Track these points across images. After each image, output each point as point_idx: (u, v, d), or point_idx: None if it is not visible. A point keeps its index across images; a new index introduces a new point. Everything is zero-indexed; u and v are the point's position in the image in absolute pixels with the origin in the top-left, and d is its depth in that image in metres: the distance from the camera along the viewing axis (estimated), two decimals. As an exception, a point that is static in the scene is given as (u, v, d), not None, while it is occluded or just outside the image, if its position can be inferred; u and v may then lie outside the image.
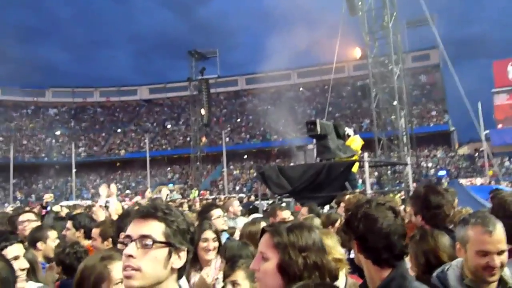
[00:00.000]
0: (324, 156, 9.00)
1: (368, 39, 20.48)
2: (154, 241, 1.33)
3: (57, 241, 3.61)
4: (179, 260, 1.38)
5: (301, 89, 52.03)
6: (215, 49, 41.71)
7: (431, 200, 2.75)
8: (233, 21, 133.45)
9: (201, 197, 26.00)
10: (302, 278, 1.46)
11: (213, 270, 2.89)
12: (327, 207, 7.89)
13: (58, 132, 52.58)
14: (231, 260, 2.70)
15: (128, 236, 1.35)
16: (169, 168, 47.99)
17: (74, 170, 40.33)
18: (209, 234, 3.00)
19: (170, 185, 42.49)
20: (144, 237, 1.33)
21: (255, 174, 41.86)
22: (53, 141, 51.35)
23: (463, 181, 27.83)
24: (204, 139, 42.72)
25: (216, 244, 3.01)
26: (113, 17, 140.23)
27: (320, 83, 48.57)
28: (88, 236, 3.70)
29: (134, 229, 1.37)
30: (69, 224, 4.04)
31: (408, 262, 2.39)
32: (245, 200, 15.43)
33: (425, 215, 2.79)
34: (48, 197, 6.61)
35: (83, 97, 58.02)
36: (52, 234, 3.66)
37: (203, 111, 38.92)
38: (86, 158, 48.47)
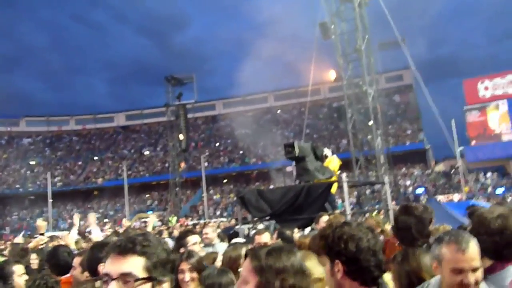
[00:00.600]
0: (303, 178, 9.04)
1: (341, 62, 20.93)
2: (136, 279, 1.29)
3: (25, 276, 3.44)
4: None
5: (278, 111, 52.51)
6: (191, 74, 41.83)
7: (400, 220, 2.80)
8: (209, 47, 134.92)
9: (180, 224, 25.63)
10: None
11: None
12: (308, 229, 7.89)
13: (33, 162, 51.51)
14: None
15: (107, 275, 1.31)
16: (147, 195, 47.33)
17: (50, 200, 39.34)
18: (184, 265, 2.91)
19: (149, 212, 41.87)
20: (124, 275, 1.29)
21: (235, 198, 41.69)
22: (28, 171, 50.21)
23: (441, 197, 28.32)
24: (182, 164, 42.38)
25: (195, 274, 2.91)
26: (89, 44, 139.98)
27: (297, 105, 49.14)
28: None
29: (113, 266, 1.32)
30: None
31: (391, 282, 2.41)
32: (225, 225, 15.28)
33: (397, 235, 2.84)
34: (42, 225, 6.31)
35: (59, 126, 57.14)
36: (18, 269, 3.47)
37: (181, 136, 38.74)
38: (62, 187, 47.46)
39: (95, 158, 52.64)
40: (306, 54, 25.72)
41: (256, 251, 1.60)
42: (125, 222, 11.20)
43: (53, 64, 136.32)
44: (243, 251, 3.43)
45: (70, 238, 5.42)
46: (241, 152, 47.98)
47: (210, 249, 4.94)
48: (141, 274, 1.31)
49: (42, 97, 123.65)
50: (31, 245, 5.37)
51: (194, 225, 19.23)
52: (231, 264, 3.29)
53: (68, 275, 3.51)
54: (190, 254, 3.04)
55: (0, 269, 3.56)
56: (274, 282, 1.48)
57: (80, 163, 52.21)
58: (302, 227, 7.78)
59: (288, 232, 4.72)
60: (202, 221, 26.94)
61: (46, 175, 42.80)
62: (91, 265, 2.96)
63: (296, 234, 5.67)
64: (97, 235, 6.01)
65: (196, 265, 2.97)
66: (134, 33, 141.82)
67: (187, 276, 2.89)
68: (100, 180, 48.39)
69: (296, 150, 8.76)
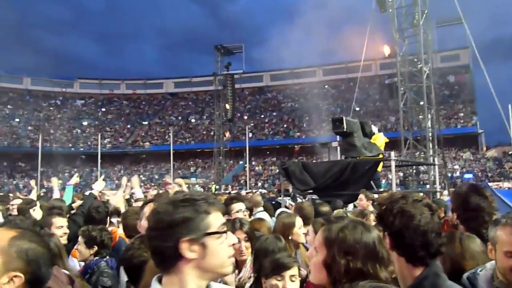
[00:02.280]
0: (350, 154, 8.88)
1: (397, 37, 20.09)
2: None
3: (65, 229, 3.52)
4: None
5: (326, 86, 51.64)
6: (241, 44, 41.71)
7: (471, 200, 2.61)
8: (260, 17, 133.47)
9: (222, 192, 26.13)
10: (341, 282, 1.43)
11: (248, 270, 2.82)
12: (351, 206, 7.80)
13: (85, 123, 53.73)
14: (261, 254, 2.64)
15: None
16: (192, 162, 48.40)
17: (99, 161, 41.06)
18: (239, 234, 2.84)
19: (193, 179, 42.94)
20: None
21: (277, 171, 41.83)
22: (80, 131, 52.45)
23: (490, 184, 27.18)
24: (227, 134, 42.85)
25: (248, 243, 2.88)
26: (142, 11, 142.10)
27: (346, 81, 48.14)
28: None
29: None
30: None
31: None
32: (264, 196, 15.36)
33: (461, 215, 2.68)
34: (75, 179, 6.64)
35: (110, 89, 59.04)
36: (58, 221, 3.51)
37: (227, 106, 39.05)
38: (112, 149, 49.30)
39: (144, 122, 54.14)
40: (360, 27, 24.91)
41: (330, 223, 1.58)
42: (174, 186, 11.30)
43: (107, 28, 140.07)
44: (297, 219, 3.41)
45: (116, 199, 5.59)
46: (285, 125, 47.85)
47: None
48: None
49: (95, 60, 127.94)
50: (75, 204, 5.60)
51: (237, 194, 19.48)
52: (284, 230, 3.26)
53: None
54: (242, 223, 3.00)
55: (42, 219, 3.75)
56: (340, 261, 1.45)
57: (129, 126, 53.91)
58: (345, 203, 7.70)
59: (325, 209, 4.61)
60: (244, 191, 27.31)
61: (97, 136, 44.57)
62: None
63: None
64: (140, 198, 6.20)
65: (250, 234, 2.95)
66: (187, 0, 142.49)
67: (243, 245, 2.87)
68: (147, 144, 49.86)
69: (344, 125, 8.58)
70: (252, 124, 47.80)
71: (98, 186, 5.30)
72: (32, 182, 7.55)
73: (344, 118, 8.79)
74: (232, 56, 40.80)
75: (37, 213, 4.29)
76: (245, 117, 50.77)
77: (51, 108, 56.04)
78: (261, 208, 6.07)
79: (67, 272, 2.24)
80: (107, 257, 3.25)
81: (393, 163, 8.38)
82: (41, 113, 54.46)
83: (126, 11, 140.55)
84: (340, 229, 1.51)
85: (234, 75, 39.66)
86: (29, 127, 51.04)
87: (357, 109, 38.06)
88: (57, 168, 47.82)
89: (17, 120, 51.91)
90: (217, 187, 35.96)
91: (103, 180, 5.57)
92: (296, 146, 45.74)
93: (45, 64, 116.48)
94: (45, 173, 44.51)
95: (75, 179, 6.23)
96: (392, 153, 8.83)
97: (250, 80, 53.56)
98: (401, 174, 23.17)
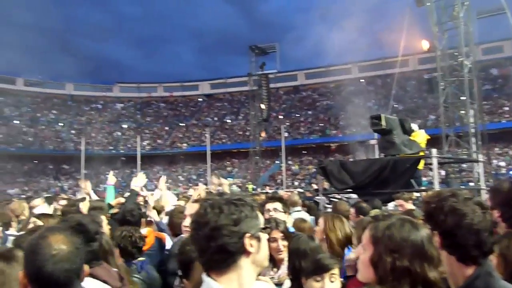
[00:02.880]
0: (389, 151, 8.72)
1: (436, 31, 19.51)
2: None
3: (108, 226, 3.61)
4: None
5: (362, 81, 50.80)
6: (274, 44, 41.65)
7: None
8: (293, 16, 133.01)
9: (260, 191, 26.19)
10: (388, 280, 1.42)
11: (286, 267, 2.83)
12: (391, 205, 7.64)
13: (124, 126, 55.19)
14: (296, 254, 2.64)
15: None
16: (228, 162, 48.79)
17: (139, 162, 42.03)
18: (276, 233, 2.88)
19: (230, 179, 43.21)
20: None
21: (314, 170, 41.55)
22: (120, 134, 53.92)
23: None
24: (263, 133, 42.91)
25: (286, 242, 2.90)
26: (177, 14, 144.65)
27: (383, 77, 47.22)
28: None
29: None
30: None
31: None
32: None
33: (505, 213, 2.57)
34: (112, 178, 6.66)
35: (148, 92, 60.41)
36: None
37: (262, 106, 39.11)
38: (150, 150, 50.37)
39: (181, 124, 55.04)
40: (396, 22, 24.36)
41: (377, 220, 1.57)
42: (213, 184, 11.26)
43: (145, 33, 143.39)
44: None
45: (152, 199, 5.64)
46: (321, 123, 47.45)
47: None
48: None
49: (134, 65, 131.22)
50: (115, 201, 5.73)
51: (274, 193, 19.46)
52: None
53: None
54: (277, 222, 3.02)
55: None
56: (386, 259, 1.44)
57: (166, 128, 54.93)
58: (385, 202, 7.56)
59: (366, 207, 4.53)
60: (281, 191, 27.24)
61: (136, 138, 45.67)
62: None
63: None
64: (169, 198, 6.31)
65: (286, 233, 2.96)
66: (221, 2, 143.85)
67: (280, 244, 2.89)
68: (184, 146, 50.65)
69: (383, 122, 8.44)
70: (287, 123, 47.66)
71: (139, 181, 5.29)
72: (82, 183, 7.70)
73: (382, 115, 8.64)
74: (266, 56, 40.83)
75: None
76: (281, 117, 50.69)
77: (92, 112, 57.91)
78: (299, 208, 6.05)
79: (115, 269, 2.31)
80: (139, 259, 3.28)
81: (435, 161, 8.17)
82: (83, 117, 56.38)
83: (162, 15, 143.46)
84: (387, 226, 1.49)
85: (268, 74, 39.69)
86: (72, 131, 52.94)
87: (395, 105, 37.25)
88: (99, 170, 49.34)
89: (61, 124, 53.93)
90: (254, 187, 36.08)
91: (143, 174, 5.57)
92: (332, 145, 45.21)
93: (86, 70, 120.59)
94: (88, 175, 45.97)
95: (112, 178, 6.35)
96: (434, 150, 8.60)
97: (284, 79, 53.41)
98: (442, 172, 22.50)
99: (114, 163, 48.56)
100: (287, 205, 5.08)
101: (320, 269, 2.33)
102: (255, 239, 1.38)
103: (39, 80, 57.63)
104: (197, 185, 7.02)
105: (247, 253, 1.37)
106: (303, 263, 2.61)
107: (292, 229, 3.77)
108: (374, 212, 4.42)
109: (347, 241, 3.10)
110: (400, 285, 1.42)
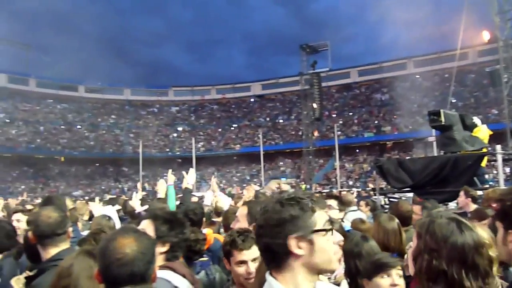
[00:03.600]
0: (449, 148, 8.39)
1: (498, 21, 18.51)
2: None
3: None
4: None
5: (418, 78, 49.15)
6: (326, 42, 41.22)
7: None
8: (344, 13, 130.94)
9: (314, 191, 26.00)
10: (423, 278, 1.39)
11: (343, 267, 2.81)
12: (452, 204, 7.36)
13: (179, 128, 56.74)
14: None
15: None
16: (281, 162, 48.83)
17: (194, 164, 43.03)
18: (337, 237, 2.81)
19: (283, 179, 43.26)
20: None
21: (369, 168, 40.68)
22: (175, 136, 55.48)
23: None
24: (316, 133, 42.59)
25: (342, 242, 2.82)
26: (228, 17, 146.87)
27: (440, 72, 45.39)
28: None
29: None
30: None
31: None
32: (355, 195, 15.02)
33: None
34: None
35: (202, 95, 61.74)
36: None
37: (314, 105, 38.83)
38: (205, 152, 51.39)
39: (234, 125, 55.76)
40: (453, 14, 23.35)
41: (427, 215, 1.53)
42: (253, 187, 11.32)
43: (197, 37, 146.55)
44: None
45: (206, 200, 5.75)
46: (376, 121, 46.38)
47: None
48: None
49: (187, 69, 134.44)
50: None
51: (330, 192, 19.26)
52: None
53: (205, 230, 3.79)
54: (332, 221, 2.97)
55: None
56: (424, 256, 1.40)
57: (220, 130, 55.84)
58: (445, 201, 7.29)
59: (432, 206, 4.38)
60: (335, 190, 26.96)
61: (191, 140, 46.79)
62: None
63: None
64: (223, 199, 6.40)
65: (342, 232, 2.94)
66: (271, 3, 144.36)
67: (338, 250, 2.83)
68: (237, 147, 51.25)
69: (442, 118, 8.12)
70: (340, 122, 46.99)
71: (190, 178, 5.37)
72: (139, 185, 8.12)
73: (441, 110, 8.32)
74: (317, 54, 40.52)
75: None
76: (333, 115, 50.07)
77: (149, 116, 60.02)
78: (354, 207, 5.96)
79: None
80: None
81: (499, 157, 7.77)
82: (140, 121, 58.58)
83: (214, 19, 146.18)
84: (430, 223, 1.44)
85: (320, 73, 39.34)
86: (130, 135, 55.13)
87: (454, 101, 35.70)
88: (156, 172, 51.01)
89: (119, 128, 56.33)
90: (308, 186, 35.88)
91: (193, 169, 5.60)
92: (388, 143, 44.08)
93: (142, 75, 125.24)
94: (146, 176, 47.68)
95: (172, 177, 6.48)
96: (498, 147, 8.18)
97: (336, 77, 52.72)
98: (507, 169, 21.32)
99: (170, 165, 49.96)
100: (343, 203, 5.03)
101: (384, 266, 2.31)
102: (305, 241, 1.32)
103: (99, 86, 60.58)
104: (249, 185, 7.05)
105: (294, 255, 1.32)
106: (359, 264, 2.60)
107: (348, 228, 3.73)
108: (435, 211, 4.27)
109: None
110: (434, 285, 1.37)
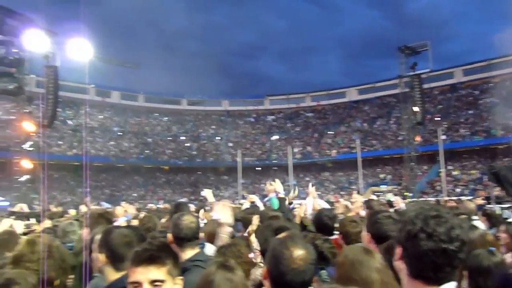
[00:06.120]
0: None
1: None
2: None
3: None
4: None
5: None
6: (426, 42, 39.15)
7: None
8: (446, 10, 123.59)
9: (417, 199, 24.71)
10: None
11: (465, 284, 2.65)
12: None
13: (276, 137, 57.60)
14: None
15: None
16: (380, 169, 47.20)
17: (291, 171, 43.33)
18: None
19: (383, 186, 41.75)
20: None
21: (478, 175, 37.70)
22: (272, 144, 56.42)
23: None
24: (418, 137, 40.50)
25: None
26: (322, 24, 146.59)
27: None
28: None
29: None
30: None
31: None
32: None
33: None
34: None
35: (296, 103, 62.22)
36: None
37: (415, 108, 36.95)
38: (301, 159, 51.51)
39: (329, 132, 55.20)
40: None
41: None
42: (356, 196, 10.97)
43: (291, 46, 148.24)
44: None
45: (304, 207, 5.74)
46: (485, 123, 42.88)
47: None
48: None
49: (282, 78, 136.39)
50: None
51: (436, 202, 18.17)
52: None
53: (334, 236, 3.76)
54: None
55: None
56: None
57: (316, 136, 55.63)
58: None
59: None
60: (441, 198, 25.39)
61: (287, 148, 47.21)
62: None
63: None
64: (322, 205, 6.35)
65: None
66: (365, 6, 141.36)
67: None
68: (334, 153, 50.60)
69: None
70: (445, 125, 44.20)
71: (279, 188, 5.47)
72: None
73: None
74: (417, 55, 38.63)
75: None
76: (437, 118, 47.22)
77: (246, 125, 61.90)
78: (475, 217, 5.56)
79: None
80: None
81: None
82: (238, 130, 60.63)
83: (307, 27, 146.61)
84: None
85: (421, 74, 37.43)
86: (229, 144, 57.24)
87: None
88: (254, 179, 52.27)
89: (219, 138, 58.84)
90: (411, 194, 34.21)
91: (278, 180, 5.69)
92: (500, 146, 40.47)
93: (239, 86, 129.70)
94: (245, 184, 49.02)
95: (272, 187, 6.62)
96: None
97: (439, 78, 49.81)
98: None
99: (267, 173, 50.89)
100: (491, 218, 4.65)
101: None
102: None
103: (200, 99, 64.04)
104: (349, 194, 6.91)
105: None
106: (488, 281, 2.44)
107: None
108: None
109: None
110: None
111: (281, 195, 5.53)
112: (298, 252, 1.69)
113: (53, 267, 2.76)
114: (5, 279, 1.50)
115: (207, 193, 5.09)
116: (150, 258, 1.75)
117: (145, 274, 1.72)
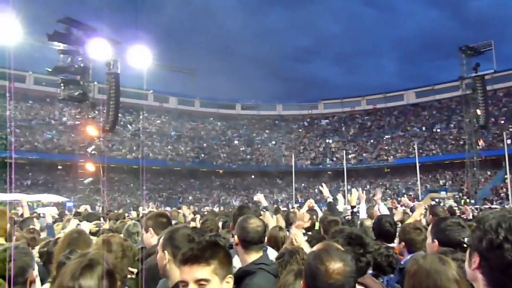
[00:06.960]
0: None
1: None
2: None
3: None
4: None
5: None
6: (489, 41, 37.25)
7: None
8: (511, 8, 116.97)
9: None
10: None
11: None
12: None
13: (330, 141, 56.93)
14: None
15: None
16: (440, 174, 45.32)
17: (345, 176, 42.67)
18: None
19: (442, 193, 40.09)
20: None
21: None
22: (326, 148, 55.80)
23: None
24: (481, 142, 38.54)
25: None
26: (378, 26, 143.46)
27: None
28: None
29: None
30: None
31: None
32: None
33: None
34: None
35: (351, 106, 61.11)
36: None
37: (478, 111, 35.23)
38: (356, 164, 50.54)
39: (386, 136, 53.75)
40: None
41: None
42: (405, 200, 10.55)
43: (346, 49, 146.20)
44: None
45: (361, 213, 5.68)
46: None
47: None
48: None
49: (336, 81, 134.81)
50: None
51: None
52: None
53: (394, 244, 3.68)
54: None
55: None
56: None
57: (371, 141, 54.34)
58: None
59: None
60: (507, 206, 24.06)
61: (342, 152, 46.55)
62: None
63: None
64: (383, 210, 6.25)
65: None
66: (424, 6, 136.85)
67: None
68: (391, 158, 49.20)
69: None
70: (510, 129, 41.75)
71: (326, 192, 5.50)
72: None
73: None
74: (480, 56, 36.85)
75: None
76: (501, 122, 44.71)
77: (300, 129, 61.67)
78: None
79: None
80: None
81: None
82: (292, 134, 60.53)
83: (362, 29, 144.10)
84: None
85: (484, 76, 35.64)
86: (283, 148, 57.26)
87: None
88: (308, 183, 51.92)
89: (273, 142, 59.07)
90: (473, 201, 32.58)
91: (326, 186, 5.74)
92: None
93: (293, 90, 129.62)
94: (298, 188, 48.83)
95: (327, 192, 6.64)
96: None
97: (504, 79, 47.17)
98: None
99: (321, 177, 50.41)
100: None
101: None
102: None
103: (253, 103, 64.62)
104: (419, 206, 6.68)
105: None
106: None
107: None
108: None
109: None
110: None
111: (330, 199, 5.56)
112: (335, 266, 1.60)
113: (127, 266, 2.92)
114: (89, 260, 1.63)
115: (260, 197, 5.15)
116: (195, 257, 1.76)
117: (190, 273, 1.74)
